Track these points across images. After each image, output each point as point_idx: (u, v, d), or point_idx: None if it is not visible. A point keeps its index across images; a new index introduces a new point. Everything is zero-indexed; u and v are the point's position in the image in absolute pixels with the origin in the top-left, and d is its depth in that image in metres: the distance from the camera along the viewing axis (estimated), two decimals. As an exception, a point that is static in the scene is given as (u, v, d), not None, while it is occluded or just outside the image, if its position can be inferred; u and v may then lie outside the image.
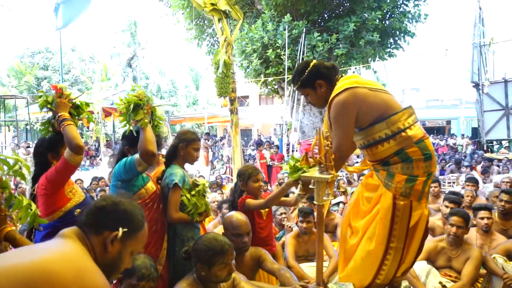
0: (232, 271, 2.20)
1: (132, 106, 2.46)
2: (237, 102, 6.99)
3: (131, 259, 1.38)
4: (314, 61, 2.48)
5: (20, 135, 24.18)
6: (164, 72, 36.26)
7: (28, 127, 23.00)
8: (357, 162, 9.88)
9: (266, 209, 3.12)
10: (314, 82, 2.42)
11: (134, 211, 1.37)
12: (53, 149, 2.44)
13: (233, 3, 6.74)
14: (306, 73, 2.42)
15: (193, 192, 2.77)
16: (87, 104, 2.68)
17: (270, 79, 12.32)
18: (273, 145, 12.73)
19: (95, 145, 20.06)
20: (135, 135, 2.54)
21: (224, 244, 2.18)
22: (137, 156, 2.49)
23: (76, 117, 2.55)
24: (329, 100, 2.35)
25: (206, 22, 14.26)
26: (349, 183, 7.42)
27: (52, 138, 2.48)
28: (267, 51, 11.55)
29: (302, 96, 11.60)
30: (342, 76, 2.45)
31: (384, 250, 2.35)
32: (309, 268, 3.49)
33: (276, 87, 13.60)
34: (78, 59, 33.41)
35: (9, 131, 25.61)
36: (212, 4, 6.45)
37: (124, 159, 2.59)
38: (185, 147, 2.85)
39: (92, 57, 34.85)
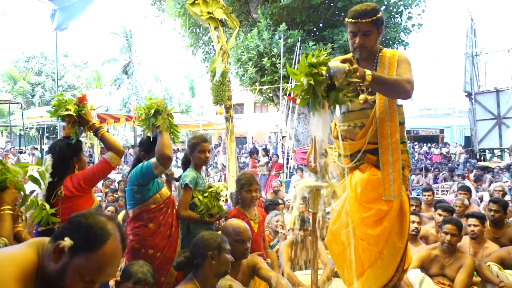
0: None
1: (152, 111, 2.63)
2: (232, 110, 7.03)
3: (80, 283, 1.18)
4: None
5: (14, 140, 24.04)
6: (159, 79, 36.28)
7: (22, 132, 22.88)
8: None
9: (257, 222, 3.16)
10: (381, 27, 2.43)
11: (94, 227, 1.20)
12: (77, 155, 2.59)
13: (229, 12, 6.80)
14: (380, 15, 2.38)
15: (205, 194, 2.88)
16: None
17: (265, 87, 12.39)
18: (273, 154, 12.79)
19: (89, 152, 20.01)
20: (151, 141, 2.72)
21: (217, 236, 2.36)
22: (153, 159, 2.60)
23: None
24: (395, 53, 2.45)
25: (201, 30, 14.33)
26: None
27: (76, 144, 2.62)
28: (263, 59, 11.61)
29: (297, 105, 11.69)
30: None
31: (405, 245, 2.44)
32: (304, 276, 3.50)
33: (271, 95, 13.65)
34: (72, 65, 33.39)
35: (2, 136, 25.46)
36: (209, 13, 6.51)
37: (141, 164, 2.69)
38: (191, 153, 3.01)
39: (86, 63, 34.84)
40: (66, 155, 2.54)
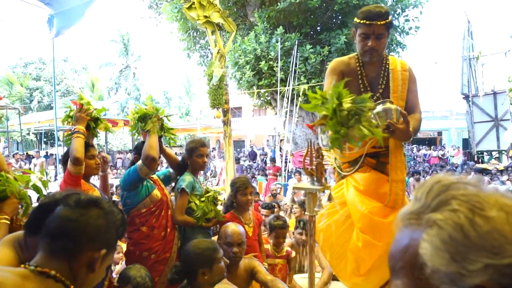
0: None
1: (137, 116, 2.73)
2: (230, 114, 7.02)
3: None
4: None
5: (12, 146, 23.98)
6: (156, 83, 36.34)
7: (19, 138, 22.84)
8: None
9: (252, 226, 3.13)
10: (391, 30, 2.35)
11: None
12: None
13: (226, 16, 6.81)
14: (391, 18, 2.32)
15: (202, 198, 2.87)
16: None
17: (262, 90, 12.40)
18: (271, 158, 12.79)
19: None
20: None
21: (212, 241, 2.36)
22: (139, 161, 2.67)
23: (95, 128, 2.81)
24: (405, 67, 2.41)
25: (198, 33, 14.35)
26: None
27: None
28: (260, 63, 11.63)
29: (295, 108, 11.70)
30: None
31: None
32: (302, 280, 3.49)
33: (269, 98, 13.67)
34: (70, 69, 33.39)
35: (-1, 141, 25.39)
36: (206, 17, 6.51)
37: (129, 168, 2.78)
38: (189, 157, 3.01)
39: (84, 67, 34.84)
40: (65, 159, 2.66)
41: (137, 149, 2.93)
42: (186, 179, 2.88)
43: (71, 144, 2.52)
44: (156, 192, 2.84)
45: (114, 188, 8.60)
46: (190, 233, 2.86)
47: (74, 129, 2.60)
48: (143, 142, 2.80)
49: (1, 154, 2.31)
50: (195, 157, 2.97)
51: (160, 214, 2.80)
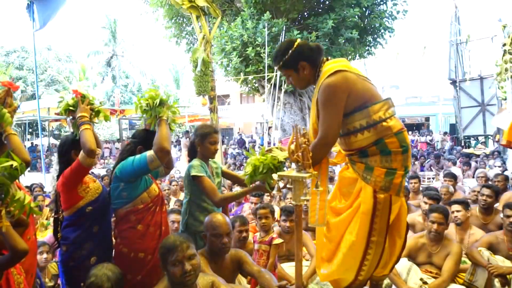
0: (187, 270, 1.99)
1: (157, 101, 2.52)
2: (217, 101, 6.91)
3: None
4: (299, 40, 2.34)
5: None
6: (144, 71, 35.83)
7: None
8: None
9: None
10: (297, 63, 2.31)
11: None
12: (76, 147, 2.49)
13: (211, 1, 6.66)
14: (289, 54, 2.30)
15: (264, 156, 2.48)
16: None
17: (250, 77, 12.26)
18: (259, 146, 12.70)
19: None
20: (148, 133, 2.62)
21: (175, 241, 2.05)
22: (150, 152, 2.42)
23: (95, 117, 2.67)
24: (318, 83, 2.26)
25: (185, 20, 14.10)
26: (330, 180, 7.32)
27: (75, 137, 2.55)
28: (247, 49, 11.48)
29: (282, 94, 11.61)
30: (327, 59, 2.36)
31: (366, 245, 2.26)
32: (290, 268, 3.44)
33: (256, 85, 13.55)
34: (54, 58, 32.75)
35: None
36: (190, 1, 6.36)
37: (132, 158, 2.49)
38: (200, 143, 2.85)
39: (69, 56, 34.20)
40: (63, 148, 2.57)
41: (139, 138, 2.67)
42: (195, 165, 2.74)
43: (82, 136, 2.37)
44: (154, 187, 2.64)
45: (100, 179, 8.47)
46: (192, 225, 2.83)
47: (79, 117, 2.47)
48: (143, 130, 2.65)
49: (21, 143, 2.26)
50: (207, 143, 2.82)
51: (155, 210, 2.59)
